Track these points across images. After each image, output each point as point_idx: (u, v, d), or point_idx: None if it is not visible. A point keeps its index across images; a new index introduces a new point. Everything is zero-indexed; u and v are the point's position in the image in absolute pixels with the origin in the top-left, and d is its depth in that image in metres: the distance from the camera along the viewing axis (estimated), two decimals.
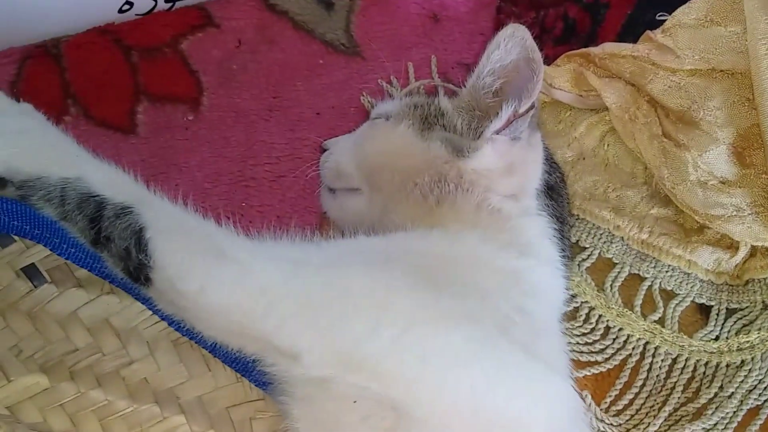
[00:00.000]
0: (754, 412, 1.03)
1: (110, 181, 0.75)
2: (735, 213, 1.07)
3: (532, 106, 0.89)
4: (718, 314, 1.07)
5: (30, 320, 0.83)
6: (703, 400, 1.02)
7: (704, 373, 1.04)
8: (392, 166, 0.92)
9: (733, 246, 1.09)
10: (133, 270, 0.71)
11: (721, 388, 1.04)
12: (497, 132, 0.89)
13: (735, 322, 1.07)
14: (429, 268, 0.79)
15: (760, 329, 1.05)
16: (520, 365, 0.78)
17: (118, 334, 0.86)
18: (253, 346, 0.74)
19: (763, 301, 1.07)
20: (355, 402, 0.72)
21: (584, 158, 1.18)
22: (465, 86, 0.95)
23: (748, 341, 1.05)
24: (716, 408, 1.01)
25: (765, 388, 1.04)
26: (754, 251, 1.09)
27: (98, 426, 0.83)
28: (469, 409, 0.73)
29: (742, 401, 1.03)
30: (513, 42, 0.87)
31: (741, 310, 1.08)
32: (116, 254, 0.71)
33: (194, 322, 0.73)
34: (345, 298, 0.73)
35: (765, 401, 1.03)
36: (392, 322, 0.73)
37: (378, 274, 0.77)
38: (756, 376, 1.04)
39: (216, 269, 0.71)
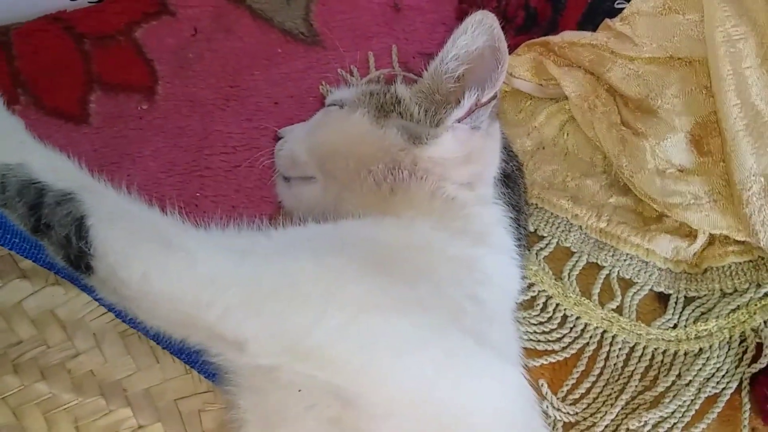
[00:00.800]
0: (712, 400, 1.03)
1: (53, 168, 0.73)
2: (693, 201, 1.07)
3: (494, 96, 0.88)
4: (676, 303, 1.07)
5: None
6: (660, 389, 1.02)
7: (662, 361, 1.04)
8: (346, 153, 0.90)
9: (691, 234, 1.09)
10: (73, 258, 0.69)
11: (678, 376, 1.03)
12: (458, 120, 0.87)
13: (693, 310, 1.07)
14: (379, 256, 0.78)
15: (718, 317, 1.05)
16: (470, 353, 0.77)
17: (64, 326, 0.84)
18: (198, 336, 0.72)
19: (721, 290, 1.07)
20: (300, 391, 0.71)
21: (544, 147, 1.18)
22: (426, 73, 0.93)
23: (706, 329, 1.05)
24: (674, 396, 1.01)
25: (723, 376, 1.04)
26: (712, 239, 1.09)
27: (42, 419, 0.81)
28: (417, 398, 0.72)
29: (699, 389, 1.03)
30: (481, 29, 0.86)
31: (699, 298, 1.08)
32: (56, 242, 0.69)
33: (137, 312, 0.71)
34: (292, 285, 0.72)
35: (723, 389, 1.03)
36: (339, 309, 0.72)
37: (326, 261, 0.75)
38: (714, 364, 1.04)
39: (160, 257, 0.70)
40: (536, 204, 1.11)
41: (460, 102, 0.87)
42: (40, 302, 0.83)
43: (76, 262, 0.69)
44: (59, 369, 0.83)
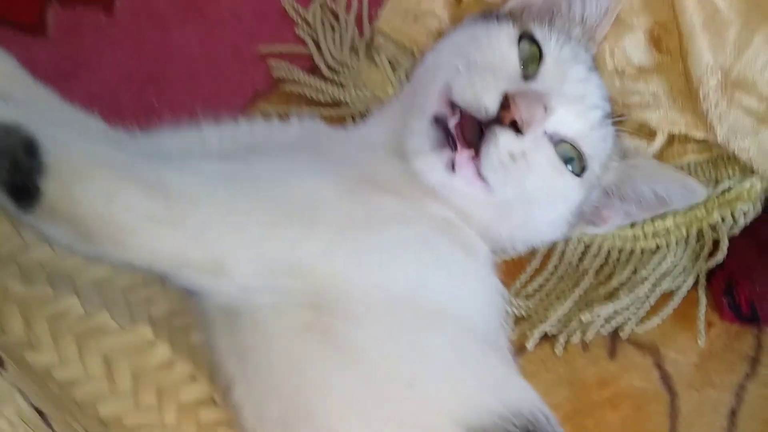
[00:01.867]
0: (668, 296, 1.04)
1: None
2: (652, 100, 1.07)
3: None
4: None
5: None
6: (615, 284, 1.03)
7: (618, 259, 1.05)
8: None
9: (651, 134, 1.08)
10: (20, 181, 0.61)
11: (634, 272, 1.05)
12: None
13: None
14: (367, 174, 0.78)
15: (675, 215, 1.06)
16: (457, 259, 0.78)
17: (12, 219, 0.85)
18: (166, 261, 0.68)
19: None
20: (275, 308, 0.69)
21: None
22: None
23: (663, 227, 1.06)
24: (629, 291, 1.02)
25: (680, 272, 1.05)
26: (671, 139, 1.09)
27: None
28: (399, 302, 0.72)
29: (655, 285, 1.04)
30: None
31: None
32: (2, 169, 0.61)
33: (90, 242, 0.66)
34: (275, 201, 0.71)
35: (679, 285, 1.04)
36: (326, 226, 0.71)
37: (312, 176, 0.75)
38: (671, 260, 1.05)
39: (122, 170, 0.65)
40: None
41: None
42: None
43: (22, 186, 0.62)
44: (8, 260, 0.84)
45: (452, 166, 0.75)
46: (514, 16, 0.84)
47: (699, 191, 0.87)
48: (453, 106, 0.75)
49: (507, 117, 0.72)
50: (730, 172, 1.05)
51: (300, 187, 0.73)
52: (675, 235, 1.05)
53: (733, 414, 1.02)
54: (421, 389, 0.69)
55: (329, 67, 1.14)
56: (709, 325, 1.05)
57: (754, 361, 1.04)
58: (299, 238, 0.69)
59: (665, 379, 1.02)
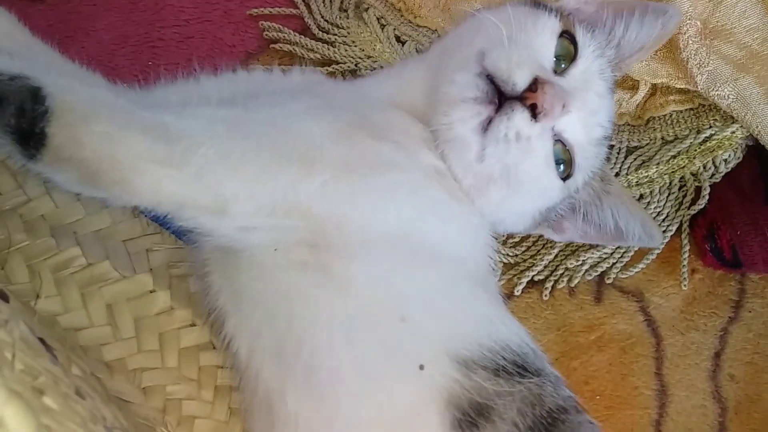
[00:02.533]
0: None
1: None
2: None
3: None
4: (618, 153, 1.10)
5: None
6: None
7: None
8: None
9: (634, 87, 1.11)
10: (26, 126, 0.63)
11: None
12: None
13: (635, 159, 1.10)
14: (368, 121, 0.80)
15: (658, 164, 1.08)
16: (448, 204, 0.80)
17: (14, 175, 0.87)
18: (168, 203, 0.69)
19: (662, 138, 1.10)
20: (276, 250, 0.71)
21: None
22: None
23: (646, 176, 1.08)
24: None
25: (663, 219, 1.08)
26: (653, 90, 1.11)
27: None
28: (395, 240, 0.74)
29: None
30: None
31: (641, 147, 1.11)
32: (6, 114, 0.63)
33: (95, 184, 0.67)
34: (275, 143, 0.73)
35: (663, 232, 1.07)
36: (326, 166, 0.72)
37: (314, 120, 0.76)
38: (654, 208, 1.07)
39: (123, 114, 0.67)
40: None
41: None
42: None
43: (29, 131, 0.63)
44: (11, 213, 0.87)
45: (487, 124, 0.76)
46: (561, 13, 0.85)
47: (656, 238, 0.89)
48: (483, 71, 0.76)
49: (530, 98, 0.74)
50: (712, 121, 1.07)
51: (299, 130, 0.75)
52: (658, 183, 1.08)
53: (717, 356, 1.05)
54: (412, 321, 0.71)
55: (320, 27, 1.16)
56: (693, 271, 1.07)
57: (738, 305, 1.07)
58: (297, 178, 0.71)
59: (650, 323, 1.05)
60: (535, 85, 0.74)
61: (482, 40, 0.79)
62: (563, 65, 0.80)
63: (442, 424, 0.67)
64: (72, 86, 0.66)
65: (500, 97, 0.74)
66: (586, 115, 0.81)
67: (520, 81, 0.74)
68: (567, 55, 0.81)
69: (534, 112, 0.74)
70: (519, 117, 0.74)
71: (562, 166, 0.81)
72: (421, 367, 0.69)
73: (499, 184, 0.79)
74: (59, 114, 0.63)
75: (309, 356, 0.69)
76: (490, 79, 0.75)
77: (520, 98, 0.74)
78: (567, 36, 0.81)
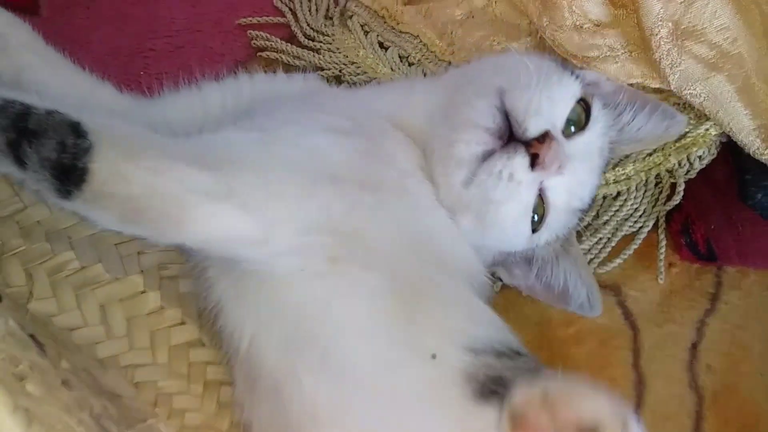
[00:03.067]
0: (630, 238, 1.10)
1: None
2: (609, 53, 1.12)
3: None
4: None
5: None
6: (578, 228, 1.08)
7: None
8: None
9: None
10: (67, 163, 0.64)
11: (596, 217, 1.10)
12: None
13: (612, 157, 1.12)
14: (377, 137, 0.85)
15: (635, 161, 1.11)
16: (448, 221, 0.85)
17: (11, 184, 0.91)
18: (219, 236, 0.73)
19: None
20: (302, 270, 0.75)
21: (473, 16, 1.23)
22: None
23: (624, 173, 1.11)
24: (591, 233, 1.08)
25: (640, 215, 1.11)
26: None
27: None
28: (409, 252, 0.79)
29: (617, 228, 1.10)
30: None
31: None
32: (47, 149, 0.64)
33: (130, 220, 0.70)
34: (304, 165, 0.77)
35: (640, 227, 1.10)
36: (352, 185, 0.77)
37: (337, 139, 0.81)
38: (631, 204, 1.11)
39: (166, 148, 0.70)
40: None
41: None
42: None
43: (70, 166, 0.65)
44: (8, 220, 0.91)
45: (487, 156, 0.79)
46: (582, 81, 0.89)
47: (597, 310, 0.93)
48: (501, 105, 0.80)
49: (535, 148, 0.78)
50: (687, 119, 1.10)
51: (323, 151, 0.79)
52: (635, 180, 1.11)
53: (694, 347, 1.08)
54: (422, 320, 0.75)
55: (305, 35, 1.20)
56: (670, 265, 1.11)
57: (714, 298, 1.10)
58: (331, 198, 0.76)
59: (627, 316, 1.08)
60: (543, 137, 0.78)
61: (505, 78, 0.83)
62: (572, 129, 0.84)
63: (464, 396, 0.69)
64: (111, 122, 0.69)
65: (509, 136, 0.78)
66: (574, 183, 0.85)
67: (532, 128, 0.78)
68: (577, 121, 0.85)
69: (534, 161, 0.78)
70: (519, 160, 0.78)
71: (534, 217, 0.85)
72: (434, 356, 0.72)
73: (473, 215, 0.83)
74: (104, 149, 0.64)
75: (323, 349, 0.72)
76: (506, 116, 0.79)
77: (526, 144, 0.78)
78: (583, 104, 0.85)
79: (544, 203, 0.85)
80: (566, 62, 0.96)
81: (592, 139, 0.87)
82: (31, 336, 0.65)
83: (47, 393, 0.53)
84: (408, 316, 0.74)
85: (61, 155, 0.63)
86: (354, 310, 0.75)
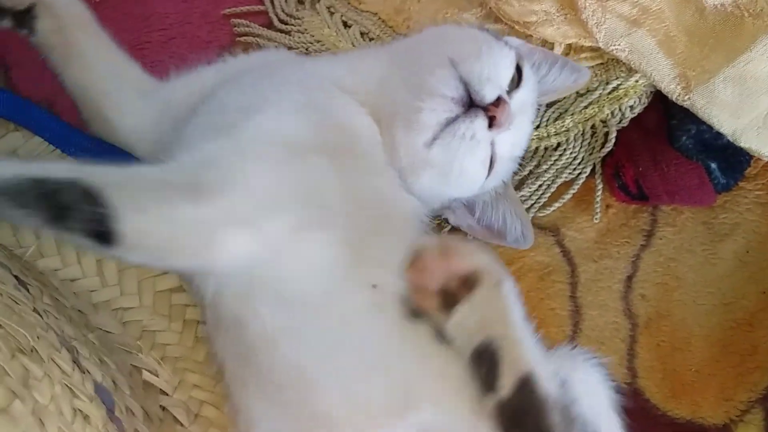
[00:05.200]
0: (569, 184, 1.21)
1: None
2: (546, 18, 1.23)
3: None
4: (540, 107, 1.25)
5: None
6: (521, 176, 1.21)
7: (523, 157, 1.22)
8: None
9: (551, 47, 1.25)
10: (99, 230, 0.71)
11: (538, 165, 1.22)
12: None
13: (553, 111, 1.24)
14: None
15: (573, 114, 1.23)
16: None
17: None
18: (241, 257, 0.80)
19: (577, 92, 1.24)
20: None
21: None
22: None
23: (563, 125, 1.23)
24: (533, 180, 1.20)
25: (579, 163, 1.22)
26: (568, 49, 1.25)
27: None
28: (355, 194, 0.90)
29: (556, 176, 1.22)
30: None
31: (559, 101, 1.25)
32: (80, 222, 0.71)
33: (175, 257, 0.79)
34: (275, 156, 0.86)
35: (579, 174, 1.22)
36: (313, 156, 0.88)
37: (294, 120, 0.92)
38: (570, 153, 1.22)
39: (163, 190, 0.76)
40: None
41: None
42: (4, 146, 1.10)
43: (101, 232, 0.71)
44: None
45: (453, 119, 0.91)
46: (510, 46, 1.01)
47: (529, 241, 1.05)
48: (459, 76, 0.91)
49: (491, 111, 0.90)
50: (619, 72, 1.21)
51: (287, 135, 0.88)
52: (573, 131, 1.22)
53: (629, 279, 1.19)
54: (367, 260, 0.85)
55: (280, 20, 1.35)
56: (607, 206, 1.21)
57: (649, 234, 1.21)
58: (300, 173, 0.86)
59: (565, 253, 1.20)
60: (497, 101, 0.90)
61: (454, 49, 0.94)
62: (509, 89, 0.96)
63: (401, 315, 0.79)
64: (115, 176, 0.75)
65: (469, 103, 0.91)
66: (516, 135, 0.99)
67: (488, 95, 0.90)
68: (513, 82, 0.97)
69: (491, 122, 0.91)
70: (479, 123, 0.90)
71: None
72: (374, 286, 0.83)
73: (435, 171, 0.95)
74: (120, 211, 0.71)
75: (277, 288, 0.82)
76: (465, 85, 0.91)
77: (484, 108, 0.91)
78: (516, 68, 0.98)
79: (493, 155, 0.97)
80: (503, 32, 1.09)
81: (527, 95, 1.00)
82: (16, 277, 0.82)
83: (8, 312, 0.71)
84: (355, 259, 0.85)
85: (90, 224, 0.71)
86: (308, 256, 0.84)
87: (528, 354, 0.69)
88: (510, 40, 1.07)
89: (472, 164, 0.95)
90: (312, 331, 0.82)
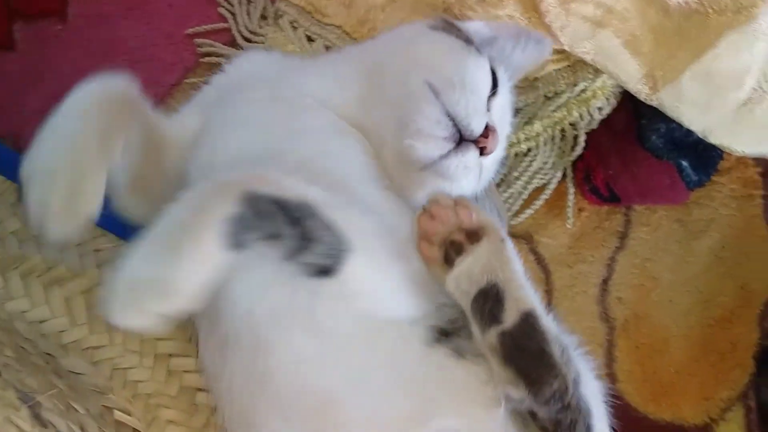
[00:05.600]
0: (540, 189, 1.20)
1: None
2: (510, 22, 1.21)
3: None
4: None
5: None
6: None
7: None
8: None
9: None
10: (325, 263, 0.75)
11: (509, 172, 1.21)
12: None
13: (522, 117, 1.23)
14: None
15: (542, 119, 1.21)
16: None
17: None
18: None
19: (545, 95, 1.22)
20: None
21: (395, 0, 1.33)
22: None
23: (532, 130, 1.21)
24: (505, 188, 1.19)
25: (549, 168, 1.21)
26: None
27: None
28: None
29: (528, 182, 1.20)
30: None
31: (527, 106, 1.24)
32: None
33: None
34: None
35: (550, 179, 1.21)
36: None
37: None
38: (540, 159, 1.21)
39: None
40: None
41: None
42: None
43: (324, 269, 0.75)
44: None
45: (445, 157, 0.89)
46: (470, 41, 0.98)
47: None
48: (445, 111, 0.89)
49: (482, 143, 0.89)
50: (587, 74, 1.20)
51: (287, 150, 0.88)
52: (543, 136, 1.21)
53: (604, 282, 1.18)
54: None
55: (243, 37, 1.34)
56: (580, 210, 1.20)
57: (623, 236, 1.20)
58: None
59: (540, 260, 1.19)
60: (486, 131, 0.89)
61: (431, 70, 0.92)
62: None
63: None
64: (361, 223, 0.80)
65: (459, 138, 0.89)
66: (500, 146, 0.98)
67: (477, 129, 0.88)
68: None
69: (482, 152, 0.90)
70: (471, 154, 0.89)
71: None
72: None
73: (427, 190, 0.92)
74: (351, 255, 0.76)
75: None
76: (452, 121, 0.88)
77: (474, 141, 0.89)
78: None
79: (481, 167, 0.95)
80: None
81: (504, 99, 0.98)
82: None
83: None
84: None
85: (322, 259, 0.75)
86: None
87: (531, 296, 0.73)
88: (473, 25, 1.05)
89: (465, 184, 0.94)
90: (340, 359, 0.82)
